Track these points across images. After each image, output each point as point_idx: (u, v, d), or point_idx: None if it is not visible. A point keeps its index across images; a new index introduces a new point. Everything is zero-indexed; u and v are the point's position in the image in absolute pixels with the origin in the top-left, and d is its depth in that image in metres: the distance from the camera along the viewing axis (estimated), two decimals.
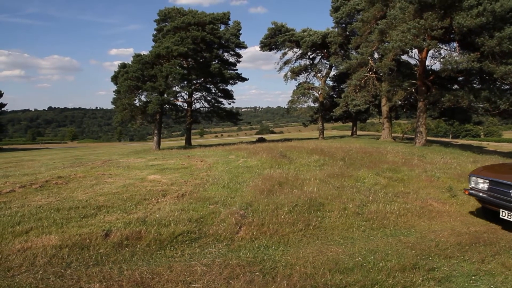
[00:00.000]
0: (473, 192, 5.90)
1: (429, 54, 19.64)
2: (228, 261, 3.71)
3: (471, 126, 70.90)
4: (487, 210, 6.01)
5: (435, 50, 19.64)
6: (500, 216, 5.22)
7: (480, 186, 5.77)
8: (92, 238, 4.06)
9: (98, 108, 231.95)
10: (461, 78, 20.11)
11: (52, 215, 4.93)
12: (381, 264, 3.71)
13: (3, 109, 47.83)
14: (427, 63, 19.90)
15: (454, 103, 17.65)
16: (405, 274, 3.50)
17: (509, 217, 5.05)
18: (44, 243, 3.90)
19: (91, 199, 5.87)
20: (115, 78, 26.22)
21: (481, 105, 18.00)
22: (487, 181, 5.64)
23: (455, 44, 18.32)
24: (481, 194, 5.71)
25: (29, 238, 4.07)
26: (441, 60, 17.99)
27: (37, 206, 5.40)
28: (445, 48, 19.83)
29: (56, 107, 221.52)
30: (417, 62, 19.78)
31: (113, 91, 26.45)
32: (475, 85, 19.58)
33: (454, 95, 17.27)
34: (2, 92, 44.35)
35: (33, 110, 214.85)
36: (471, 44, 17.16)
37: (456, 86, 20.91)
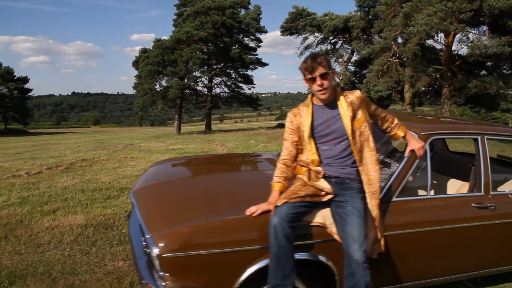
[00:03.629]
0: None
1: (456, 38, 18.90)
2: None
3: (498, 113, 67.95)
4: None
5: (463, 34, 18.86)
6: None
7: None
8: (115, 219, 4.19)
9: (120, 93, 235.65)
10: (489, 63, 19.35)
11: (77, 195, 5.11)
12: None
13: (29, 94, 49.30)
14: (454, 47, 19.21)
15: (481, 90, 17.06)
16: None
17: None
18: (71, 222, 4.05)
19: (114, 181, 6.04)
20: (136, 63, 26.54)
21: (510, 92, 17.36)
22: None
23: (485, 28, 17.59)
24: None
25: (56, 217, 4.23)
26: (469, 44, 17.35)
27: (63, 187, 5.61)
28: (473, 32, 19.03)
29: (80, 92, 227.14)
30: (443, 46, 19.12)
31: (134, 76, 26.86)
32: (504, 71, 18.85)
33: (481, 81, 16.67)
34: (28, 78, 45.61)
35: (57, 95, 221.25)
36: (502, 27, 16.45)
37: (484, 71, 20.14)
